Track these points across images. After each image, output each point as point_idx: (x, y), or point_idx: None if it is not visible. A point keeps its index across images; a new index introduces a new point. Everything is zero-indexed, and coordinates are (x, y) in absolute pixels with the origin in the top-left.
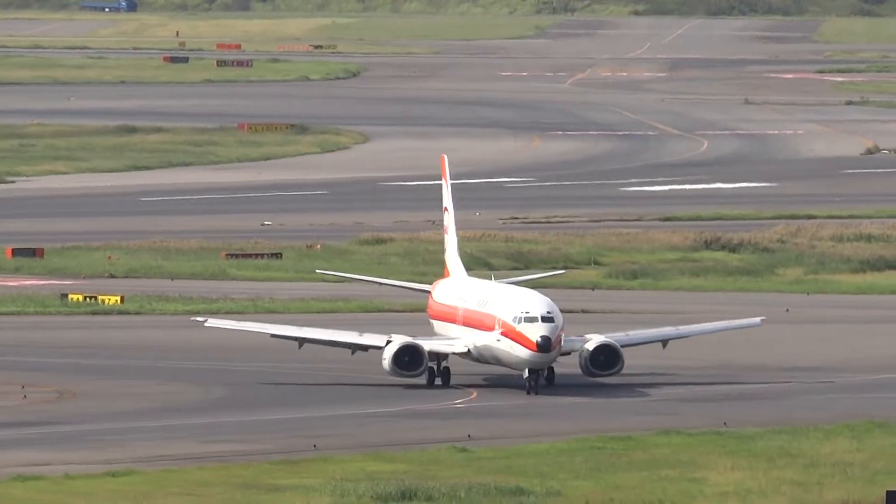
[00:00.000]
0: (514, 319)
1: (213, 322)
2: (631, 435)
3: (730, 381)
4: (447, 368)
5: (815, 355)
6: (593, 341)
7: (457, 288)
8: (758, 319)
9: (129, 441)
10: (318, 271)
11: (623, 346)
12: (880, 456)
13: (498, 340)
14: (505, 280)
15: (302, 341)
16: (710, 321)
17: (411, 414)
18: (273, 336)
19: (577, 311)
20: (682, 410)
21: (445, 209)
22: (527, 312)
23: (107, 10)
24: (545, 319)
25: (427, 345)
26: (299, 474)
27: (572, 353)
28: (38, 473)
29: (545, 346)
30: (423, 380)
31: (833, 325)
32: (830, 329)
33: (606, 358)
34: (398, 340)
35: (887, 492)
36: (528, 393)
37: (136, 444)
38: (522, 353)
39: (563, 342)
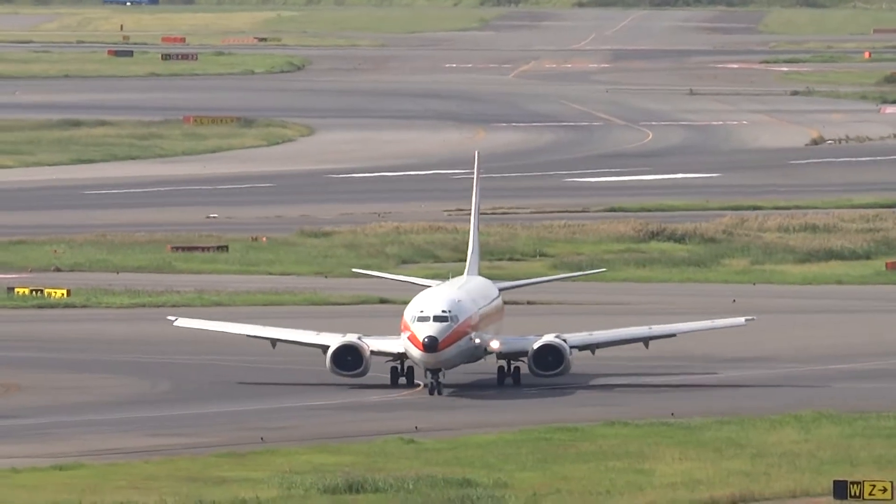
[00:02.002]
0: (411, 318)
1: (182, 322)
2: (578, 426)
3: (676, 371)
4: (412, 368)
5: (761, 346)
6: (539, 341)
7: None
8: (742, 319)
9: (75, 434)
10: (354, 270)
11: (585, 347)
12: (826, 446)
13: (406, 340)
14: (546, 279)
15: (273, 341)
16: (692, 320)
17: (358, 406)
18: (248, 336)
19: (523, 303)
20: (629, 401)
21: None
22: (421, 311)
23: (128, 3)
24: (438, 319)
25: (374, 344)
26: (246, 467)
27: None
28: None
29: (431, 345)
30: (363, 379)
31: (778, 315)
32: (776, 319)
33: (554, 358)
34: (338, 340)
35: (834, 481)
36: (431, 393)
37: (83, 438)
38: (415, 352)
39: (474, 341)
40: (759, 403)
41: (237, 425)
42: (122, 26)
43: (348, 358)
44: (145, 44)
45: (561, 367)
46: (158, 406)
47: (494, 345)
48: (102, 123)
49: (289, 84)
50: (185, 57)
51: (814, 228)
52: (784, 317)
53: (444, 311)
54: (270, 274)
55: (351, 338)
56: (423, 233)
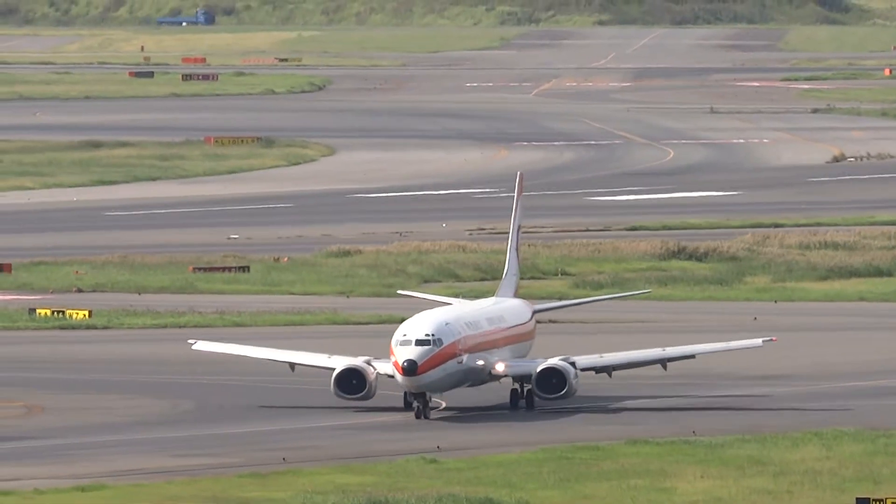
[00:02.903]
0: (395, 342)
1: (201, 346)
2: (599, 445)
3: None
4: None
5: (783, 363)
6: (543, 364)
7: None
8: (759, 340)
9: (98, 455)
10: (399, 292)
11: (594, 370)
12: (849, 463)
13: (391, 364)
14: (588, 300)
15: (291, 365)
16: (714, 338)
17: (380, 425)
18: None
19: (545, 322)
20: (650, 420)
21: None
22: (404, 335)
23: (184, 24)
24: (420, 343)
25: (382, 368)
26: (269, 487)
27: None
28: (7, 489)
29: (410, 369)
30: (367, 402)
31: (800, 332)
32: (798, 337)
33: (558, 381)
34: (342, 363)
35: (857, 499)
36: (417, 417)
37: (105, 459)
38: (397, 376)
39: (477, 363)
40: (781, 421)
41: (259, 446)
42: (142, 47)
43: (353, 381)
44: (166, 64)
45: (564, 391)
46: (181, 427)
47: (499, 368)
48: (123, 144)
49: (310, 104)
50: (205, 77)
51: (835, 246)
52: (806, 334)
53: (427, 335)
54: (292, 294)
55: (356, 361)
56: (445, 252)
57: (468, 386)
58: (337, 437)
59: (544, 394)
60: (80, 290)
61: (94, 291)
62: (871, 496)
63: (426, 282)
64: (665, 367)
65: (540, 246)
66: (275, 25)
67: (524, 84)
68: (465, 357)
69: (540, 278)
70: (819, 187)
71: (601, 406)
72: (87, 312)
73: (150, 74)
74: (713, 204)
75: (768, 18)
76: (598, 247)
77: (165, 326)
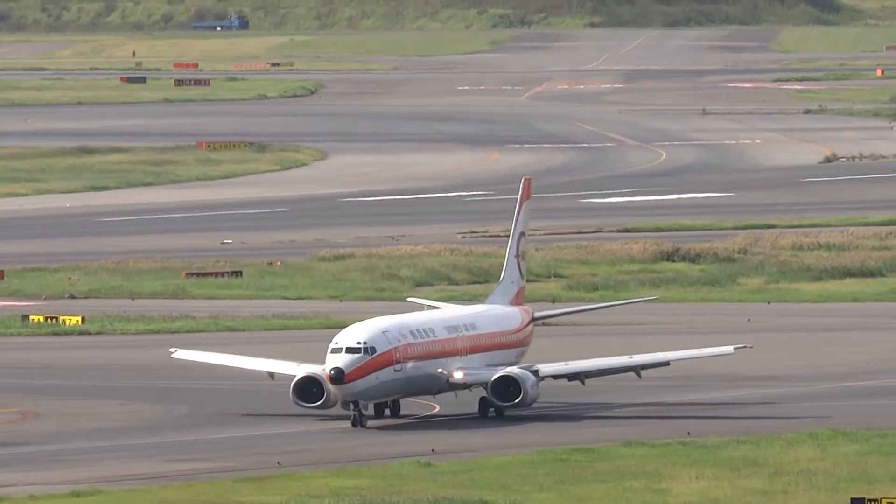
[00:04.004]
0: (329, 349)
1: (181, 354)
2: (594, 447)
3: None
4: (396, 400)
5: (777, 364)
6: (499, 372)
7: None
8: (730, 348)
9: (93, 461)
10: (409, 299)
11: (560, 377)
12: (843, 464)
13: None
14: (591, 307)
15: (271, 374)
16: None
17: (374, 429)
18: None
19: (539, 325)
20: (645, 421)
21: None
22: (336, 343)
23: (218, 28)
24: (350, 350)
25: None
26: (264, 491)
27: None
28: (2, 495)
29: (337, 378)
30: (324, 410)
31: (794, 333)
32: (791, 338)
33: (515, 388)
34: (302, 371)
35: (851, 499)
36: (353, 426)
37: (100, 464)
38: (328, 384)
39: (401, 372)
40: (776, 422)
41: (254, 450)
42: (134, 53)
43: (313, 390)
44: (158, 70)
45: (519, 399)
46: (175, 431)
47: (458, 375)
48: (116, 150)
49: (302, 108)
50: (197, 83)
51: (828, 246)
52: (799, 335)
53: (358, 343)
54: (286, 298)
55: (316, 369)
56: (438, 255)
57: (434, 394)
58: (331, 441)
59: (500, 401)
60: (73, 297)
61: (87, 297)
62: (866, 496)
63: (419, 285)
64: (639, 375)
65: (533, 248)
66: (267, 30)
67: (516, 87)
68: (406, 365)
69: (533, 280)
70: (812, 188)
71: (596, 408)
72: (80, 318)
73: (143, 80)
74: (706, 205)
75: (760, 19)
76: (591, 249)
77: (159, 332)
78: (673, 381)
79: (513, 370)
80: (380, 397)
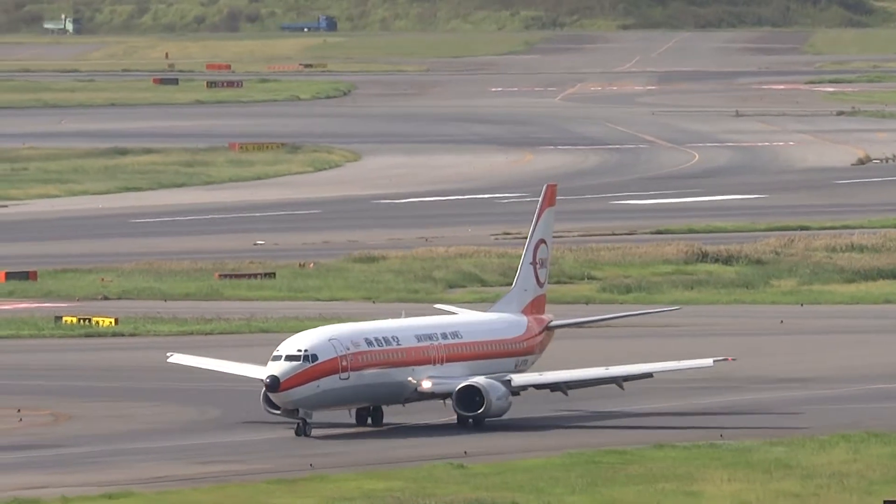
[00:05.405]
0: (271, 356)
1: (177, 359)
2: (627, 449)
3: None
4: (378, 408)
5: (809, 366)
6: (464, 381)
7: None
8: (710, 360)
9: (125, 463)
10: (436, 307)
11: (535, 387)
12: (876, 466)
13: None
14: (613, 315)
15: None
16: (663, 360)
17: (406, 431)
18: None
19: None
20: (677, 424)
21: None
22: (277, 350)
23: (306, 30)
24: (289, 358)
25: None
26: (296, 494)
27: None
28: (35, 496)
29: (272, 385)
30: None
31: (827, 335)
32: (824, 340)
33: (480, 398)
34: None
35: (884, 501)
36: (297, 434)
37: (132, 466)
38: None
39: (349, 381)
40: (808, 424)
41: (286, 452)
42: (167, 54)
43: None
44: (191, 71)
45: (482, 409)
46: (207, 433)
47: (426, 384)
48: (148, 151)
49: (335, 110)
50: (230, 84)
51: (861, 248)
52: (832, 337)
53: (298, 351)
54: (318, 300)
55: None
56: (471, 257)
57: (402, 403)
58: (363, 443)
59: (463, 411)
60: (106, 298)
61: (120, 299)
62: None
63: (451, 287)
64: (622, 387)
65: (566, 250)
66: (299, 31)
67: (549, 88)
68: (358, 374)
69: (566, 282)
70: (844, 190)
71: (626, 411)
72: (113, 320)
73: (175, 81)
74: (739, 207)
75: (792, 21)
76: (625, 251)
77: (192, 333)
78: (706, 384)
79: (479, 380)
80: (326, 406)
